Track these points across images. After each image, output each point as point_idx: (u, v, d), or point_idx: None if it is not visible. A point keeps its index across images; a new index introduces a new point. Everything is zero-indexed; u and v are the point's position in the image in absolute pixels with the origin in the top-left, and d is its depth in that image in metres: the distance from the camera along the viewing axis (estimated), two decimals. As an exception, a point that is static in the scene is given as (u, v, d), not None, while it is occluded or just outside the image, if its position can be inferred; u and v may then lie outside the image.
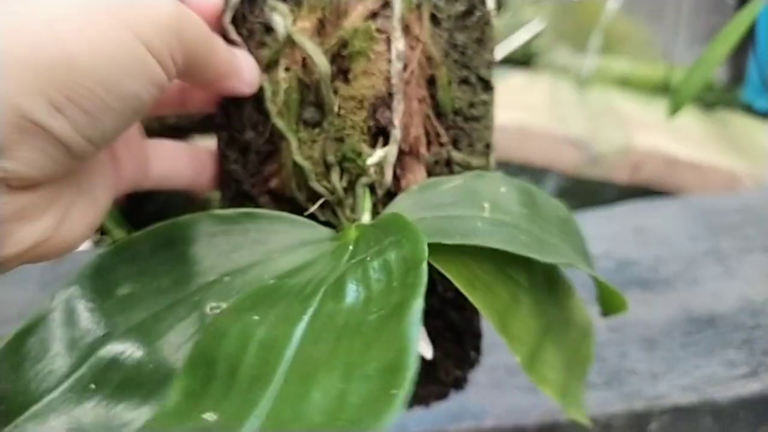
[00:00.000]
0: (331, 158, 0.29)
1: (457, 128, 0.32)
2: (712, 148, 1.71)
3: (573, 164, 1.62)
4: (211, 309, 0.25)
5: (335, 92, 0.29)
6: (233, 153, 0.31)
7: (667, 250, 0.70)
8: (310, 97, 0.29)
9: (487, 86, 0.33)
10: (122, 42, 0.20)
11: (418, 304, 0.18)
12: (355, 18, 0.29)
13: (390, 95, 0.29)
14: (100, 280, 0.25)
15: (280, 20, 0.29)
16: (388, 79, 0.29)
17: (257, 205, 0.31)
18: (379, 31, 0.29)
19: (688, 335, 0.55)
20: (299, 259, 0.27)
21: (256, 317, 0.22)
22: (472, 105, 0.33)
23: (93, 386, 0.24)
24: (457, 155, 0.32)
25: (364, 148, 0.29)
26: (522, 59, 2.46)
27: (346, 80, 0.29)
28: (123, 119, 0.22)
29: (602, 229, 0.76)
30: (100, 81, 0.20)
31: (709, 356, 0.53)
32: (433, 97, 0.31)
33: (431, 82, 0.31)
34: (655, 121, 1.85)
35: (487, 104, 0.33)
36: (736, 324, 0.57)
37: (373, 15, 0.29)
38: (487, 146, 0.34)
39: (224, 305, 0.25)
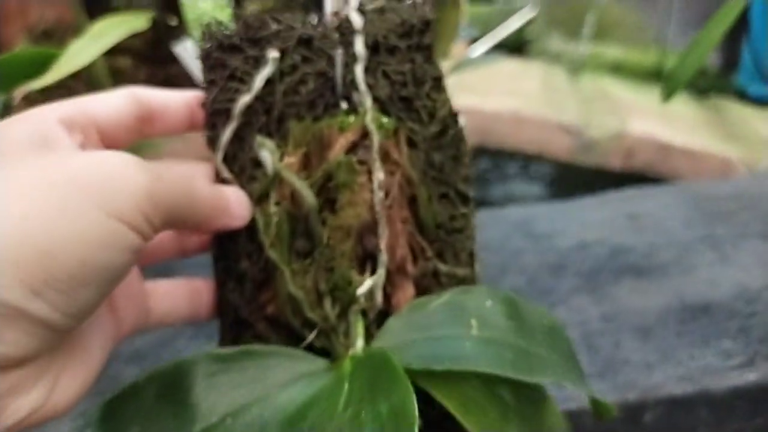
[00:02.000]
0: (322, 287, 0.30)
1: (440, 241, 0.34)
2: (706, 134, 1.69)
3: (566, 151, 1.60)
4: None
5: (323, 223, 0.31)
6: (230, 282, 0.33)
7: (662, 237, 0.69)
8: (300, 229, 0.31)
9: (465, 199, 0.35)
10: (96, 221, 0.22)
11: None
12: (337, 150, 0.31)
13: (375, 222, 0.31)
14: (110, 424, 0.26)
15: (268, 156, 0.31)
16: (371, 207, 0.31)
17: (255, 332, 0.32)
18: (360, 162, 0.31)
19: (683, 324, 0.54)
20: (297, 395, 0.28)
21: None
22: (453, 218, 0.35)
23: None
24: (443, 267, 0.34)
25: (354, 275, 0.31)
26: (514, 46, 2.44)
27: (333, 211, 0.31)
28: (101, 290, 0.23)
29: (596, 215, 0.75)
30: (76, 262, 0.21)
31: (704, 346, 0.52)
32: (415, 215, 0.33)
33: (413, 200, 0.33)
34: (648, 107, 1.83)
35: (467, 216, 0.35)
36: (731, 312, 0.56)
37: (354, 146, 0.31)
38: (471, 255, 0.36)
39: None
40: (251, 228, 0.31)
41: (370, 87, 0.33)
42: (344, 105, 0.33)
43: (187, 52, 0.77)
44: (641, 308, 0.57)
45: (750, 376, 0.48)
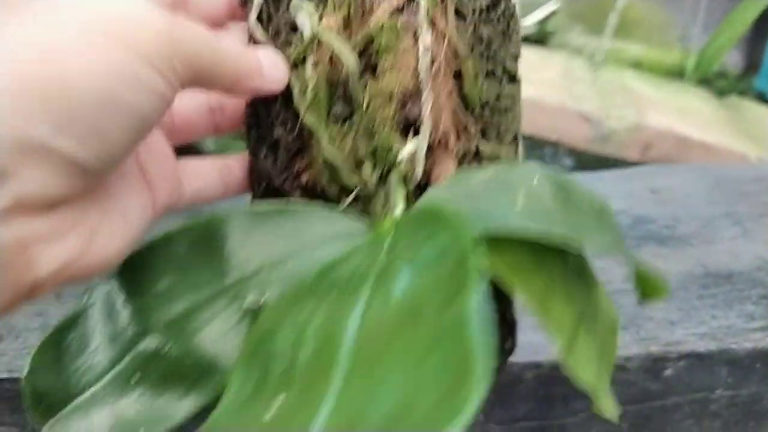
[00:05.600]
0: (362, 152, 0.29)
1: (485, 120, 0.32)
2: (723, 131, 1.70)
3: (583, 140, 1.61)
4: (250, 301, 0.26)
5: (364, 87, 0.29)
6: (263, 150, 0.32)
7: (684, 210, 0.69)
8: (339, 93, 0.30)
9: (513, 78, 0.33)
10: (117, 58, 0.21)
11: (476, 296, 0.17)
12: (380, 14, 0.29)
13: (418, 89, 0.29)
14: (138, 275, 0.26)
15: (306, 19, 0.29)
16: (416, 74, 0.29)
17: (289, 201, 0.31)
18: (405, 26, 0.29)
19: (706, 288, 0.55)
20: (335, 250, 0.26)
21: (306, 310, 0.22)
22: (499, 97, 0.32)
23: (134, 380, 0.25)
24: (485, 147, 0.32)
25: (395, 142, 0.29)
26: (537, 38, 2.44)
27: (374, 75, 0.29)
28: (129, 133, 0.22)
29: (619, 188, 0.75)
30: (100, 98, 0.21)
31: (726, 308, 0.52)
32: (460, 90, 0.31)
33: (458, 75, 0.31)
34: (667, 102, 1.83)
35: (514, 96, 0.34)
36: (754, 281, 0.56)
37: (399, 10, 0.29)
38: (515, 137, 0.34)
39: (263, 298, 0.26)
40: (286, 94, 0.30)
41: None
42: None
43: None
44: (663, 272, 0.57)
45: (771, 340, 0.49)
